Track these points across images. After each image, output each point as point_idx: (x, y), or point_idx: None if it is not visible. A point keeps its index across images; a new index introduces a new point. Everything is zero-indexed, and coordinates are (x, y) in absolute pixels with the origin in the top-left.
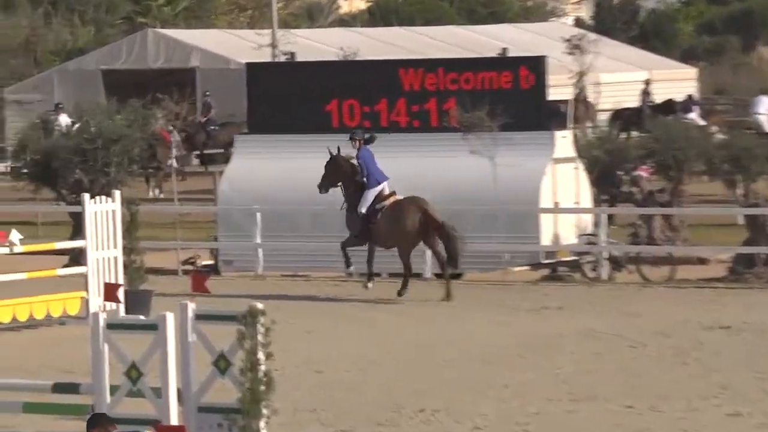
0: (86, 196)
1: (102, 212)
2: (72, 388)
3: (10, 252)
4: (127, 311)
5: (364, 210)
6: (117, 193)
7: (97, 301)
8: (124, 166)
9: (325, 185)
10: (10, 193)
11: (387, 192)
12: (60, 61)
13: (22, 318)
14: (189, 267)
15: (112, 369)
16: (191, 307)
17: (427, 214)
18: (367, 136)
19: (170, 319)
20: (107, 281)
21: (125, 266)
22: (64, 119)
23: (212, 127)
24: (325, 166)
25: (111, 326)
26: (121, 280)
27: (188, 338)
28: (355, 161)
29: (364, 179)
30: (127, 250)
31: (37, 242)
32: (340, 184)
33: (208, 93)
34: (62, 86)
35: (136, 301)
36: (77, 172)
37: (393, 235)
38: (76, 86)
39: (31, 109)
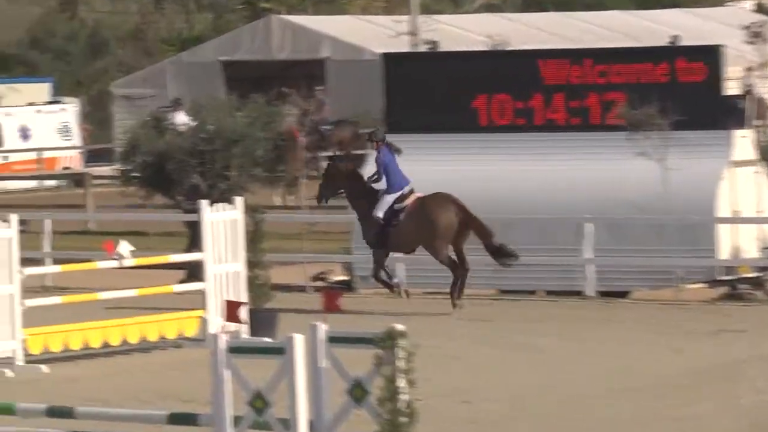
0: (204, 202)
1: (222, 221)
2: (190, 419)
3: (120, 266)
4: (251, 333)
5: (381, 214)
6: (239, 200)
7: (217, 322)
8: (246, 169)
9: (325, 195)
10: (119, 200)
11: (407, 192)
12: (174, 52)
13: (133, 340)
14: (319, 283)
15: (234, 398)
16: (323, 328)
17: (464, 209)
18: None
19: (299, 341)
20: (228, 299)
21: (248, 282)
22: (181, 117)
23: (325, 127)
24: (323, 174)
25: (233, 350)
26: (244, 298)
27: (320, 363)
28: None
29: (379, 182)
30: (251, 264)
31: (149, 255)
32: (342, 191)
33: (319, 88)
34: (176, 79)
35: (261, 321)
36: (194, 176)
37: (423, 234)
38: (192, 79)
39: (142, 105)
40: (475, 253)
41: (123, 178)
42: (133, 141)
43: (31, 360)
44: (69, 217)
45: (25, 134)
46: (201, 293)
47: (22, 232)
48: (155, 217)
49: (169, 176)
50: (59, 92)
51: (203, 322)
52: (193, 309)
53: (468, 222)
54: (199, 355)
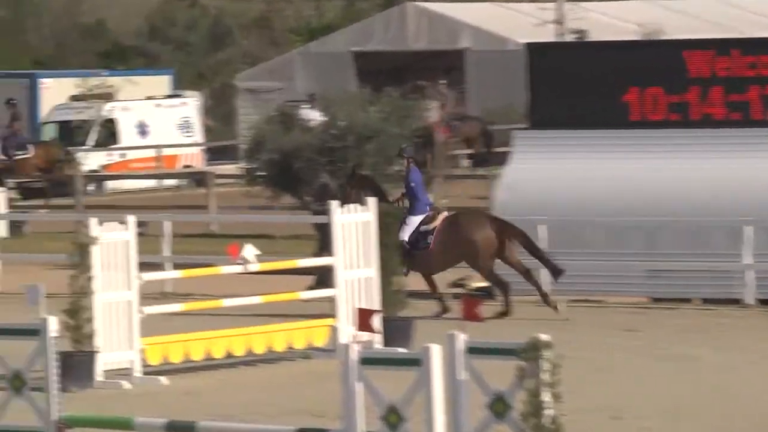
0: (334, 203)
1: (353, 223)
2: None
3: (244, 271)
4: (385, 343)
5: (406, 237)
6: (371, 201)
7: (348, 331)
8: (379, 167)
9: (344, 203)
10: (243, 200)
11: (432, 214)
12: (302, 42)
13: (259, 350)
14: (458, 290)
15: (366, 412)
16: (462, 338)
17: (500, 222)
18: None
19: (436, 352)
20: (360, 306)
21: (382, 288)
22: (312, 113)
23: (451, 122)
24: (345, 181)
25: (365, 361)
26: (377, 306)
27: (458, 375)
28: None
29: (408, 202)
30: (384, 270)
31: (276, 259)
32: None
33: (443, 82)
34: (305, 71)
35: (396, 330)
36: (323, 174)
37: (461, 254)
38: (322, 71)
39: (268, 99)
40: (624, 258)
41: (247, 178)
42: (258, 137)
43: (150, 371)
44: (190, 219)
45: (143, 130)
46: (331, 300)
47: (140, 234)
48: (282, 219)
49: (297, 175)
50: (179, 85)
51: (333, 331)
52: (322, 317)
53: (508, 234)
54: (328, 367)
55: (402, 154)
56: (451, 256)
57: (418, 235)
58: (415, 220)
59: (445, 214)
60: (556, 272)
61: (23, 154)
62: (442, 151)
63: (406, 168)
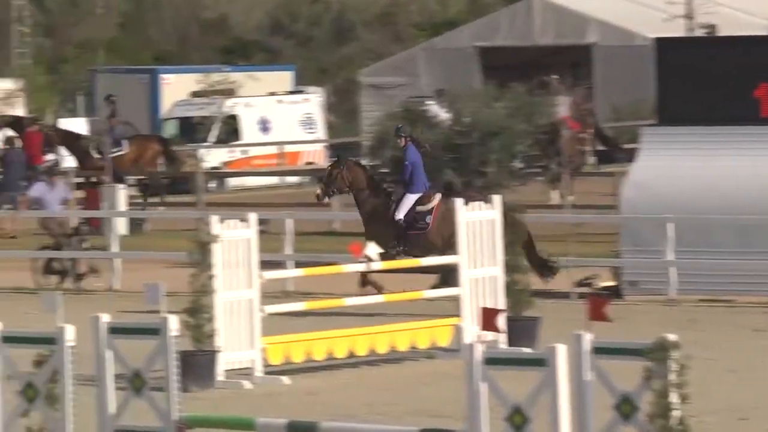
0: (459, 201)
1: (478, 221)
2: None
3: (367, 269)
4: (510, 342)
5: (402, 216)
6: (496, 198)
7: (472, 330)
8: (505, 164)
9: (328, 192)
10: None
11: (429, 193)
12: (426, 37)
13: (382, 350)
14: (585, 289)
15: (491, 413)
16: (588, 338)
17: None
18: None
19: (562, 352)
20: (485, 306)
21: (507, 287)
22: (440, 110)
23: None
24: (330, 169)
25: (490, 361)
26: (501, 305)
27: (584, 376)
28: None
29: (405, 181)
30: (510, 268)
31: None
32: (347, 189)
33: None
34: (429, 67)
35: (521, 330)
36: (448, 171)
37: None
38: (446, 67)
39: (392, 95)
40: (754, 256)
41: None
42: (381, 134)
43: (271, 371)
44: (312, 217)
45: (265, 126)
46: (455, 299)
47: (261, 232)
48: None
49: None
50: (302, 81)
51: (457, 330)
52: (446, 316)
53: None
54: (452, 367)
55: (399, 133)
56: (450, 240)
57: (415, 215)
58: (411, 198)
59: (440, 196)
60: (545, 271)
61: (117, 151)
62: (569, 147)
63: (403, 147)
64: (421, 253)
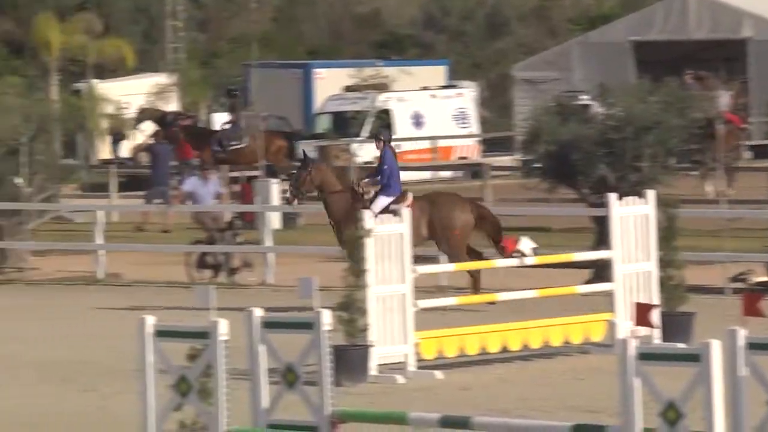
0: (613, 196)
1: (632, 216)
2: (596, 431)
3: (520, 264)
4: (664, 338)
5: (377, 211)
6: (650, 193)
7: (626, 326)
8: (659, 159)
9: (297, 195)
10: (521, 192)
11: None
12: (580, 31)
13: (535, 344)
14: (739, 284)
15: (644, 408)
16: (743, 333)
17: (478, 205)
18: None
19: (717, 348)
20: (639, 301)
21: (661, 283)
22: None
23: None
24: (297, 171)
25: (644, 356)
26: (655, 300)
27: (739, 372)
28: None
29: (382, 182)
30: (664, 263)
31: (553, 252)
32: (317, 192)
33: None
34: (583, 61)
35: (675, 325)
36: (601, 166)
37: (442, 229)
38: (600, 61)
39: (545, 90)
40: None
41: (524, 170)
42: (535, 129)
43: (424, 366)
44: None
45: (418, 121)
46: (608, 295)
47: None
48: (559, 212)
49: (575, 167)
50: (455, 75)
51: (611, 326)
52: (599, 312)
53: (484, 220)
54: (605, 362)
55: (378, 137)
56: (425, 235)
57: (388, 212)
58: (385, 200)
59: (412, 195)
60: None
61: (237, 145)
62: (725, 142)
63: (381, 152)
64: None
